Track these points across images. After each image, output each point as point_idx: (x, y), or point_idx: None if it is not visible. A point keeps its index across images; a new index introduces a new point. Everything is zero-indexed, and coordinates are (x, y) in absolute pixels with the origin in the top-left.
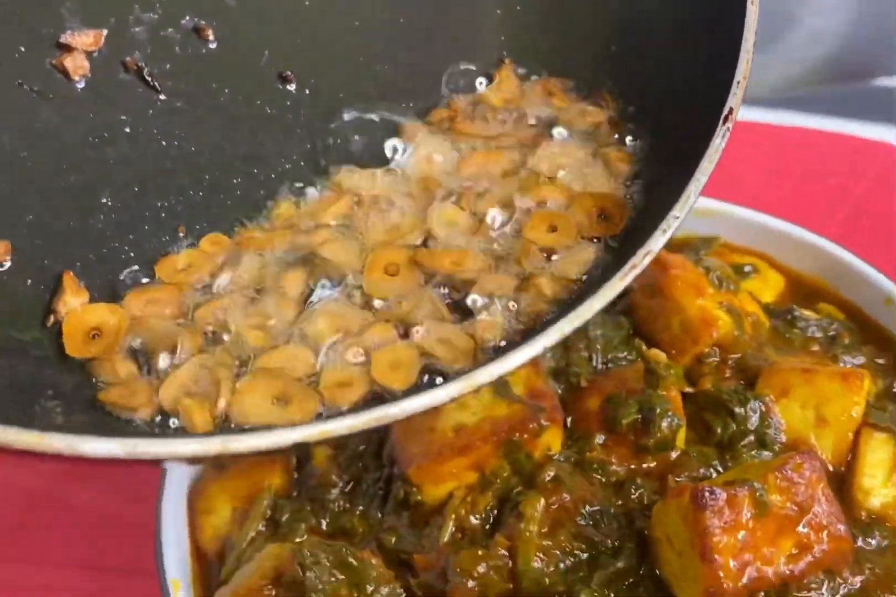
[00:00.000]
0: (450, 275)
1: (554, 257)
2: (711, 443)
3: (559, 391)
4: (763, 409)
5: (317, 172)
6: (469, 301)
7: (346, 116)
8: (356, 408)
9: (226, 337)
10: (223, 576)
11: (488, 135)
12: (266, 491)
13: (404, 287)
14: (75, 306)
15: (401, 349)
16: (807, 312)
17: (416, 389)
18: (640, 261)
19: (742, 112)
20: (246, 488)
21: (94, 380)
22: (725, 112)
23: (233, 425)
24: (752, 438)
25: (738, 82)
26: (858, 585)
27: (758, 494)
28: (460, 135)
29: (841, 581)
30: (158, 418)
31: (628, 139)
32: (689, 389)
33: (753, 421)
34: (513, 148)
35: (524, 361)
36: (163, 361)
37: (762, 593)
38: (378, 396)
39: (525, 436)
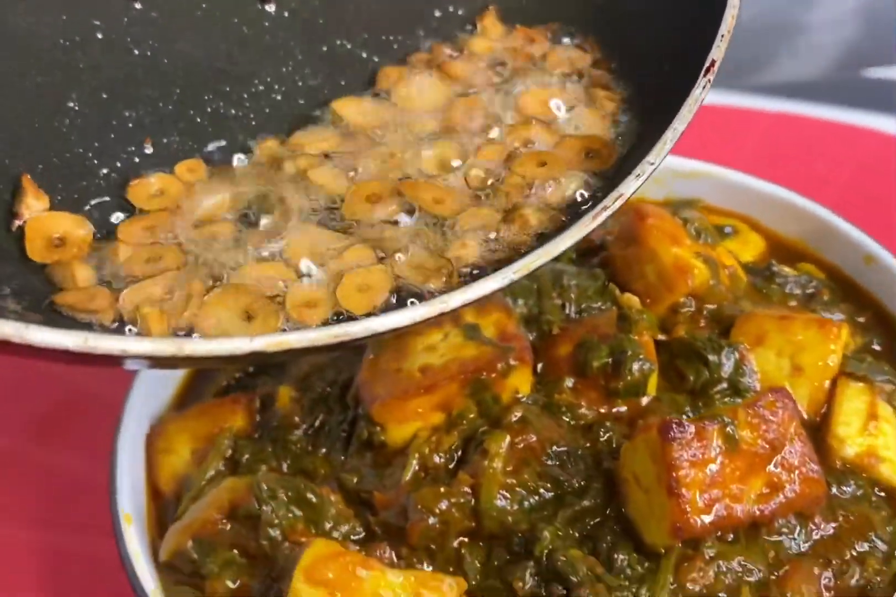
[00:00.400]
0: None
1: (540, 190)
2: (684, 390)
3: (531, 338)
4: (737, 356)
5: (293, 97)
6: (445, 227)
7: (324, 45)
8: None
9: (203, 256)
10: (178, 513)
11: (475, 77)
12: (227, 431)
13: (383, 214)
14: (40, 211)
15: (373, 272)
16: (786, 269)
17: (383, 311)
18: (612, 203)
19: (736, 98)
20: (207, 428)
21: (53, 283)
22: (707, 64)
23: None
24: (725, 385)
25: (723, 36)
26: (831, 531)
27: (728, 428)
28: (447, 76)
29: (813, 527)
30: (115, 325)
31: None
32: (662, 337)
33: (727, 368)
34: (499, 91)
35: (490, 291)
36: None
37: (731, 536)
38: (348, 320)
39: (493, 375)
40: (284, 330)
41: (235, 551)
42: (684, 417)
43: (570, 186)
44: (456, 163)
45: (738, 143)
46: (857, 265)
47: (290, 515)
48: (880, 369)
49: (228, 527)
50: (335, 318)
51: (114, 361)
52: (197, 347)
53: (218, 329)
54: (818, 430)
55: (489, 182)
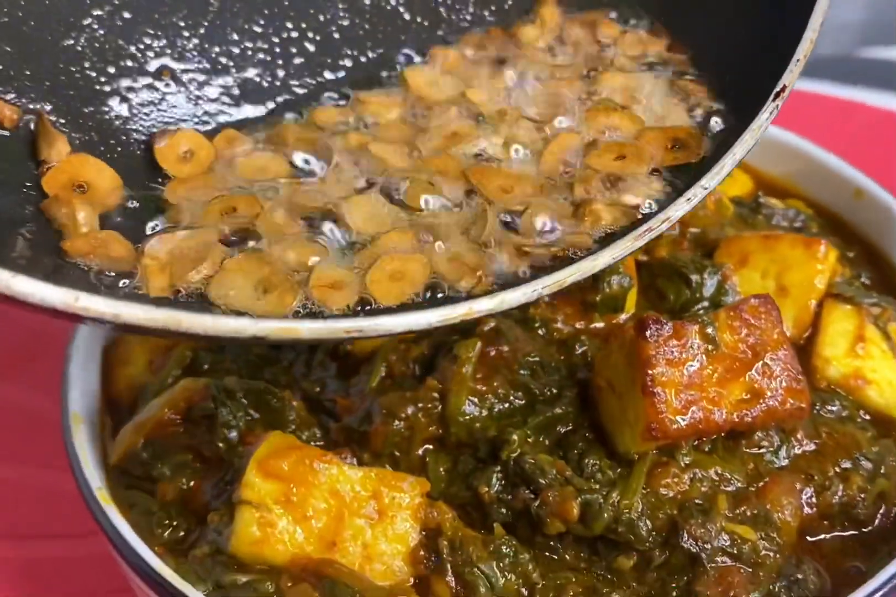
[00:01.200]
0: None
1: (615, 186)
2: (664, 309)
3: None
4: (720, 277)
5: (326, 49)
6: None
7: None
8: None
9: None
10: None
11: (554, 63)
12: (187, 343)
13: (445, 194)
14: (69, 153)
15: (410, 261)
16: (773, 201)
17: (405, 307)
18: (658, 225)
19: None
20: (166, 340)
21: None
22: (778, 89)
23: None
24: (706, 304)
25: (798, 60)
26: (813, 448)
27: (708, 329)
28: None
29: (795, 443)
30: (109, 276)
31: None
32: (643, 258)
33: (709, 288)
34: (576, 78)
35: (516, 304)
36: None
37: (709, 446)
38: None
39: None
40: (298, 312)
41: (189, 455)
42: None
43: (645, 188)
44: (526, 148)
45: None
46: (846, 201)
47: (248, 417)
48: (868, 294)
49: (182, 428)
50: (359, 307)
51: (104, 324)
52: (194, 322)
53: (228, 298)
54: (803, 351)
55: (561, 171)
